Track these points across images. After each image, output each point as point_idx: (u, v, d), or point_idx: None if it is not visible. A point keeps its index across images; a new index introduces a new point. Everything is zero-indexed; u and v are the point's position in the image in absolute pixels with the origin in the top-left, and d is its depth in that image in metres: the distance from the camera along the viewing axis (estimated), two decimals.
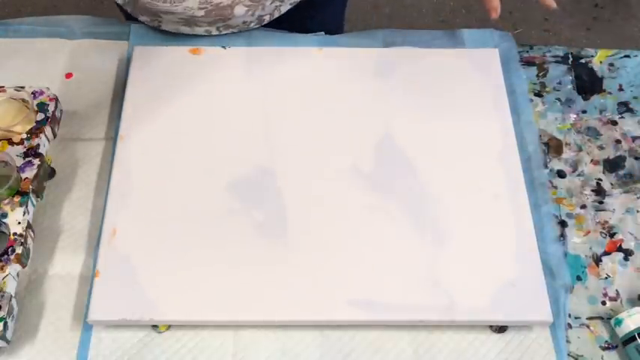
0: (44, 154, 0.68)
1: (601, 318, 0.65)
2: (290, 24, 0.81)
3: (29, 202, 0.64)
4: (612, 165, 0.74)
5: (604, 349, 0.63)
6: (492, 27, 0.83)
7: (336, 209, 0.66)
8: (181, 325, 0.62)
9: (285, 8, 0.79)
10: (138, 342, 0.62)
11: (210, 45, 0.77)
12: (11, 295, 0.59)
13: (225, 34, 0.79)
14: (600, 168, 0.74)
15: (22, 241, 0.62)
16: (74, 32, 0.81)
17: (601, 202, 0.71)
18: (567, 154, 0.75)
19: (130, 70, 0.75)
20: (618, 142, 0.75)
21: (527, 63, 0.81)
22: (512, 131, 0.72)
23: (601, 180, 0.73)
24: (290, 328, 0.62)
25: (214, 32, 0.78)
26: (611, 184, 0.73)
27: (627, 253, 0.68)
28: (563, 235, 0.69)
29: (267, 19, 0.79)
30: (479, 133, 0.72)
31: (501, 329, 0.63)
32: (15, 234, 0.62)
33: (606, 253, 0.68)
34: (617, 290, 0.66)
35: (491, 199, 0.67)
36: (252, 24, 0.79)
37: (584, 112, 0.78)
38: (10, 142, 0.68)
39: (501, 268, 0.63)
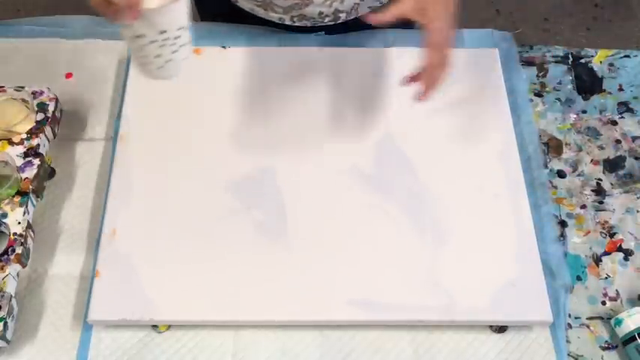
0: (44, 154, 0.68)
1: (601, 318, 0.65)
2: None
3: (29, 202, 0.64)
4: (612, 165, 0.74)
5: (604, 349, 0.63)
6: (492, 27, 0.83)
7: (336, 209, 0.66)
8: (181, 325, 0.62)
9: (363, 10, 0.77)
10: (138, 342, 0.62)
11: (211, 45, 0.77)
12: (11, 295, 0.59)
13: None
14: (600, 168, 0.74)
15: (22, 241, 0.62)
16: (74, 32, 0.81)
17: (601, 202, 0.71)
18: (567, 154, 0.75)
19: (130, 70, 0.75)
20: (618, 142, 0.75)
21: (527, 63, 0.81)
22: (512, 131, 0.72)
23: (601, 180, 0.73)
24: (290, 328, 0.62)
25: (287, 21, 0.76)
26: (611, 184, 0.72)
27: (627, 253, 0.68)
28: (563, 235, 0.69)
29: (342, 17, 0.77)
30: (479, 133, 0.72)
31: (501, 329, 0.63)
32: (15, 234, 0.62)
33: (606, 253, 0.68)
34: (617, 290, 0.66)
35: (491, 199, 0.67)
36: (327, 18, 0.76)
37: (584, 112, 0.78)
38: (10, 142, 0.68)
39: (501, 268, 0.63)
